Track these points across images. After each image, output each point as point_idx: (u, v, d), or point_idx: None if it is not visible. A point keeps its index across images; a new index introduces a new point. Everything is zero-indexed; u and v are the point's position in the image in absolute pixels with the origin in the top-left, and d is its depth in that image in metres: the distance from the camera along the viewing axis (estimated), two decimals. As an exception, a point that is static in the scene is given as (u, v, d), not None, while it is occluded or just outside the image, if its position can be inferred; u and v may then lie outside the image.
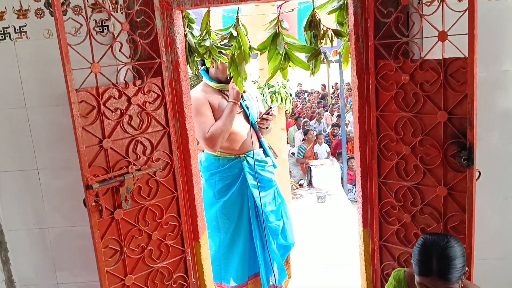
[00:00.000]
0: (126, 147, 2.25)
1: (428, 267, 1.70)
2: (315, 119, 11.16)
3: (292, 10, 3.66)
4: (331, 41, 2.68)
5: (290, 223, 3.49)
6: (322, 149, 8.73)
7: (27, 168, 2.35)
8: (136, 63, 2.23)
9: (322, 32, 2.66)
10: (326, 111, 12.32)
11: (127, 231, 2.29)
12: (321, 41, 2.67)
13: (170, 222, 2.46)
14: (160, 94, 2.34)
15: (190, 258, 2.57)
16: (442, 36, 2.00)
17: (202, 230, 2.68)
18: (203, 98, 3.08)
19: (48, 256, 2.45)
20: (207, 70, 3.21)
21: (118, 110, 2.20)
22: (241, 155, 3.15)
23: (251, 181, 3.15)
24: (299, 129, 9.98)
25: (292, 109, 12.52)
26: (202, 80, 3.27)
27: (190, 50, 2.64)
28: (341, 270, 4.02)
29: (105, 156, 2.18)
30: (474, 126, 1.96)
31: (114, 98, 2.18)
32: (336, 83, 15.94)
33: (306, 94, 16.74)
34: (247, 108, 3.17)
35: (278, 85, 5.97)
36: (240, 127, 3.14)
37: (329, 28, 2.66)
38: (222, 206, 3.19)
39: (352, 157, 8.05)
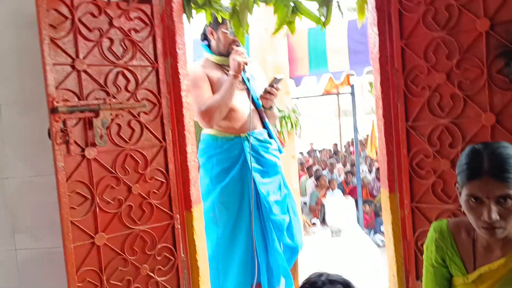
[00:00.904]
0: (105, 76, 1.90)
1: (478, 167, 1.28)
2: (327, 169, 10.76)
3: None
4: (345, -14, 2.39)
5: (298, 221, 3.01)
6: (335, 194, 8.25)
7: (-12, 104, 1.99)
8: (121, -20, 1.95)
9: (334, -23, 2.38)
10: (339, 163, 11.96)
11: (101, 177, 1.88)
12: (333, -13, 2.39)
13: (155, 177, 2.04)
14: (149, 23, 2.03)
15: (179, 226, 2.11)
16: None
17: (195, 199, 2.23)
18: (201, 71, 2.79)
19: (6, 213, 2.01)
20: (209, 45, 2.94)
21: (97, 30, 1.87)
22: (241, 134, 2.77)
23: (252, 163, 2.74)
24: (310, 178, 9.57)
25: (303, 163, 12.27)
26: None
27: (187, -3, 2.37)
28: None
29: (78, 79, 1.82)
30: (524, 27, 1.60)
31: (93, 15, 1.86)
32: (348, 141, 15.77)
33: (317, 152, 16.48)
34: (248, 80, 2.83)
35: (288, 109, 5.69)
36: (242, 104, 2.79)
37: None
38: (220, 193, 2.76)
39: (368, 201, 7.62)
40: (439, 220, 1.61)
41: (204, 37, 2.94)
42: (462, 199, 1.35)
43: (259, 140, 2.81)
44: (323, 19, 2.45)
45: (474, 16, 1.75)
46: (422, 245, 1.97)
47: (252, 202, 2.76)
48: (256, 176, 2.74)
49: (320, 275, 1.27)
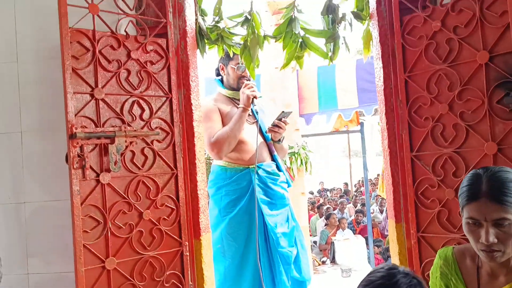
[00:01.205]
0: (121, 105, 2.00)
1: (476, 189, 1.31)
2: (338, 209, 10.68)
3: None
4: (350, 24, 2.50)
5: (306, 255, 2.98)
6: (346, 234, 8.17)
7: (10, 131, 2.08)
8: (140, 16, 2.07)
9: (340, 16, 2.50)
10: (349, 203, 11.87)
11: (114, 202, 1.94)
12: (339, 25, 2.50)
13: (166, 204, 2.10)
14: (164, 56, 2.14)
15: (188, 254, 2.14)
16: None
17: (204, 227, 2.28)
18: (212, 105, 2.88)
19: (21, 238, 2.06)
20: (222, 80, 3.04)
21: (115, 61, 1.99)
22: (250, 166, 2.82)
23: (260, 195, 2.77)
24: (321, 217, 9.51)
25: (313, 202, 12.19)
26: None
27: (201, 34, 2.49)
28: None
29: (96, 108, 1.92)
30: (522, 59, 1.67)
31: (112, 48, 1.98)
32: (359, 181, 15.71)
33: (328, 192, 16.40)
34: (257, 113, 2.89)
35: (297, 146, 5.76)
36: (251, 137, 2.85)
37: (348, 11, 2.51)
38: (228, 224, 2.78)
39: (377, 241, 7.53)
40: (445, 247, 1.64)
41: (218, 72, 3.06)
42: (463, 222, 1.37)
43: (267, 172, 2.84)
44: (330, 54, 2.56)
45: (474, 49, 1.83)
46: (429, 275, 1.97)
47: (257, 233, 2.77)
48: (264, 208, 2.76)
49: (396, 267, 1.29)
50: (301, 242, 2.97)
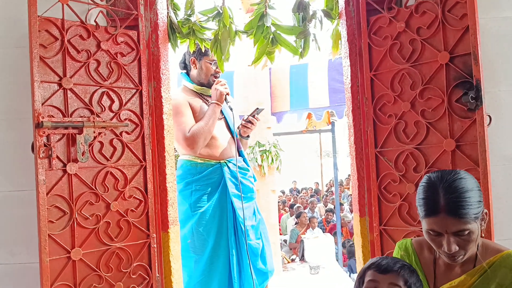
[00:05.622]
0: (90, 95, 1.99)
1: (435, 204, 1.33)
2: (308, 208, 10.81)
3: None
4: (321, 22, 2.55)
5: (269, 247, 3.04)
6: (316, 233, 8.29)
7: (-26, 119, 2.05)
8: (110, 7, 2.07)
9: (311, 13, 2.55)
10: (320, 202, 12.02)
11: (81, 193, 1.93)
12: (309, 22, 2.55)
13: (134, 196, 2.10)
14: (135, 48, 2.15)
15: (155, 246, 2.15)
16: (437, -28, 1.88)
17: (172, 220, 2.29)
18: (183, 99, 2.88)
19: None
20: (187, 74, 3.05)
21: (85, 51, 1.98)
22: (221, 161, 2.85)
23: (232, 189, 2.80)
24: (292, 216, 9.61)
25: (284, 201, 12.30)
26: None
27: (173, 27, 2.50)
28: None
29: (64, 97, 1.91)
30: (479, 60, 1.75)
31: (81, 38, 1.98)
32: (330, 180, 15.91)
33: (299, 191, 16.56)
34: (231, 109, 2.93)
35: (269, 144, 5.80)
36: (220, 133, 2.88)
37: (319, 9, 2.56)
38: (199, 219, 2.79)
39: (346, 240, 7.67)
40: (403, 239, 1.71)
41: (184, 66, 3.06)
42: (423, 228, 1.41)
43: (238, 167, 2.87)
44: (301, 50, 2.61)
45: (435, 50, 1.91)
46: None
47: (227, 227, 2.81)
48: (236, 202, 2.79)
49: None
50: (264, 234, 3.02)
